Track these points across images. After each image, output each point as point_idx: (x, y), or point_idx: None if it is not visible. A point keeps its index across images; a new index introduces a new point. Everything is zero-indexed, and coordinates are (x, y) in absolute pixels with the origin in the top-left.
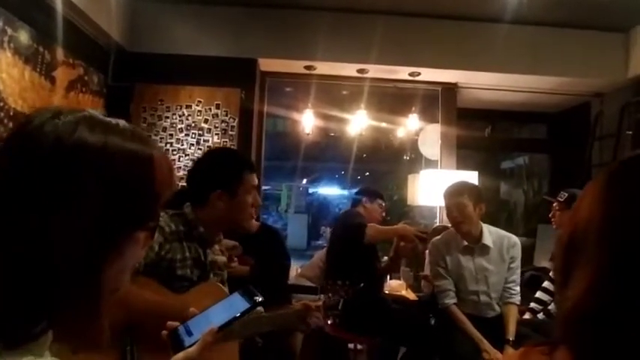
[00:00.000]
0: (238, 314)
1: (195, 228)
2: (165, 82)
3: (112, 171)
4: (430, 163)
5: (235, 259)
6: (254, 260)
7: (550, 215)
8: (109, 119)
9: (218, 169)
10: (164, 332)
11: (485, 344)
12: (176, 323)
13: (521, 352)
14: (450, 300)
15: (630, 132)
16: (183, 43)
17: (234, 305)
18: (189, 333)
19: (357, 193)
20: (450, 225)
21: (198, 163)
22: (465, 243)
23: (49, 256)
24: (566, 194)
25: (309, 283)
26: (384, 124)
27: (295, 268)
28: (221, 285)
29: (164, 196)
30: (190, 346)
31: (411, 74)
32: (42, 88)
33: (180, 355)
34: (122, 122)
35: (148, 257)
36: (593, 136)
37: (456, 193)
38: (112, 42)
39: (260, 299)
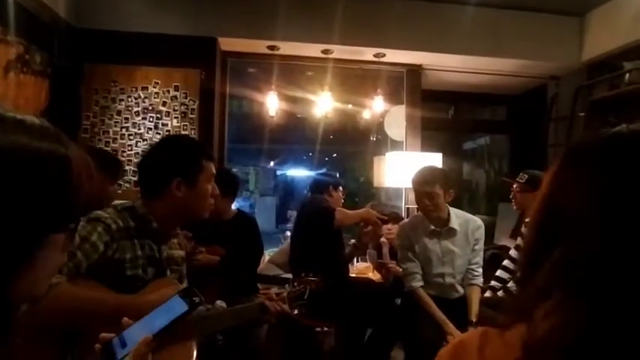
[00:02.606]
0: (175, 318)
1: (147, 223)
2: (118, 62)
3: (17, 172)
4: (396, 144)
5: (203, 249)
6: (226, 248)
7: (510, 197)
8: (14, 114)
9: (175, 157)
10: (97, 346)
11: (450, 326)
12: (111, 335)
13: (481, 331)
14: (417, 283)
15: (583, 114)
16: (137, 20)
17: (172, 309)
18: (124, 344)
19: (317, 181)
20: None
21: (151, 152)
22: (432, 227)
23: None
24: (526, 175)
25: (278, 271)
26: (349, 106)
27: (265, 254)
28: (177, 282)
29: (83, 197)
30: (122, 359)
31: (375, 55)
32: None
33: None
34: (31, 118)
35: (91, 258)
36: (549, 117)
37: (427, 183)
38: (57, 17)
39: (199, 300)
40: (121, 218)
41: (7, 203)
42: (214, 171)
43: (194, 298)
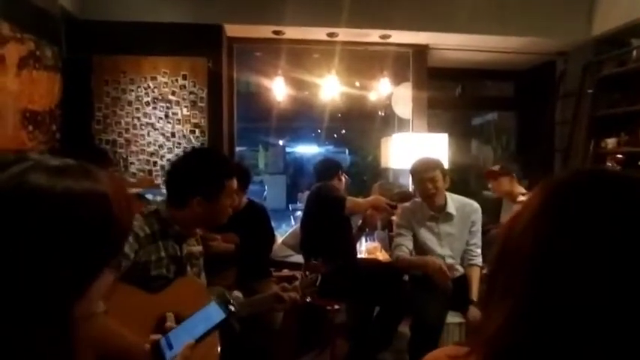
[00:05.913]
0: (214, 325)
1: (170, 226)
2: (126, 53)
3: (70, 215)
4: (403, 122)
5: (218, 236)
6: (239, 236)
7: (489, 186)
8: (55, 162)
9: (199, 177)
10: (147, 346)
11: (429, 263)
12: (158, 336)
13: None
14: (401, 253)
15: (591, 91)
16: (142, 9)
17: (210, 316)
18: (170, 346)
19: (325, 167)
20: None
21: (178, 166)
22: (431, 212)
23: (21, 303)
24: (499, 166)
25: (290, 252)
26: (357, 84)
27: (277, 235)
28: (196, 278)
29: (126, 230)
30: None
31: (381, 37)
32: None
33: None
34: (69, 161)
35: (124, 267)
36: (556, 94)
37: (430, 169)
38: (63, 10)
39: (234, 308)
40: (148, 224)
41: (63, 246)
42: (235, 186)
43: (229, 307)
